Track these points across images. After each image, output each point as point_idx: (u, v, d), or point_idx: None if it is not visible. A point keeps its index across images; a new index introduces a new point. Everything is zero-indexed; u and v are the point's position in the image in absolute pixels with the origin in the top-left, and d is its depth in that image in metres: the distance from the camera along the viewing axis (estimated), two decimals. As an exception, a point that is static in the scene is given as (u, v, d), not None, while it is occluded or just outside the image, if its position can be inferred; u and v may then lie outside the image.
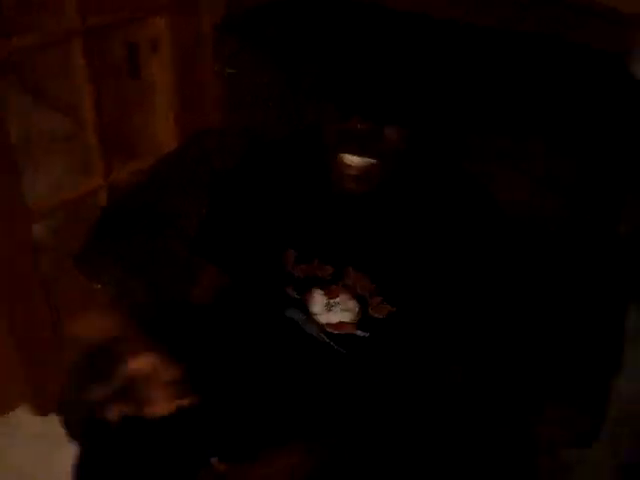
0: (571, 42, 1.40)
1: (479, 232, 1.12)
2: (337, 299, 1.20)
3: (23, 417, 1.85)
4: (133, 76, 1.84)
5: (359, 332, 1.21)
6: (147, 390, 0.98)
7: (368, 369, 1.21)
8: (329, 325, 1.22)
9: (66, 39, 1.54)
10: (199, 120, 1.81)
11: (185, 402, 1.00)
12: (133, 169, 1.77)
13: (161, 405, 0.99)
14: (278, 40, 1.58)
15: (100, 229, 1.55)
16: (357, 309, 1.19)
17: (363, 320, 1.20)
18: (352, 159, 1.05)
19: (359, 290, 1.19)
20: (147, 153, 1.89)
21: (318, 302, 1.22)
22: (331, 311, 1.21)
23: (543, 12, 1.44)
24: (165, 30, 1.68)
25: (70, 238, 1.61)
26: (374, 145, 1.04)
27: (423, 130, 1.10)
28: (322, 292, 1.21)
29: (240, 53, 1.59)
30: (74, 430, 1.32)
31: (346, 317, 1.21)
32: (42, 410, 1.82)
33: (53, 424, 1.47)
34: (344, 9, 1.51)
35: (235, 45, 1.58)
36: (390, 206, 1.16)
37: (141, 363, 0.97)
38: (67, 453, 1.20)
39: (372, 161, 1.05)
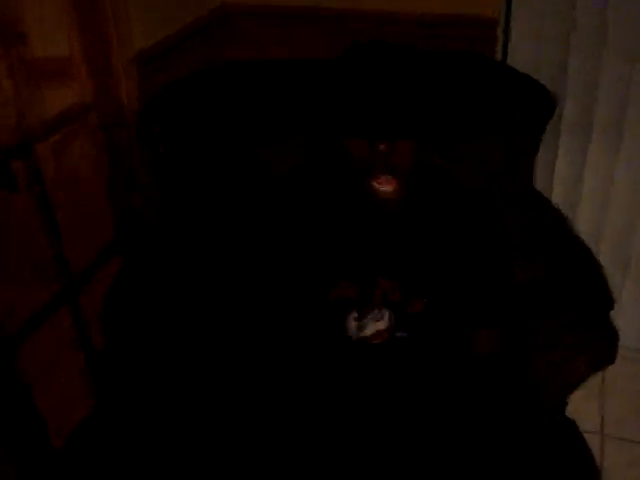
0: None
1: (472, 227, 1.25)
2: (369, 315, 1.27)
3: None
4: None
5: (398, 334, 1.27)
6: None
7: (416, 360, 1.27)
8: (366, 339, 1.27)
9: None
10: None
11: None
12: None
13: None
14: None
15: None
16: (389, 315, 1.26)
17: (400, 323, 1.26)
18: (386, 179, 1.13)
19: (390, 297, 1.26)
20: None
21: (350, 326, 1.27)
22: (365, 328, 1.27)
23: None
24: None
25: None
26: (396, 162, 1.13)
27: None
28: (354, 316, 1.27)
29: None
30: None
31: (380, 325, 1.27)
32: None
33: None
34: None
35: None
36: (408, 216, 1.24)
37: None
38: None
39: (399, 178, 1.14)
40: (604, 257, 1.92)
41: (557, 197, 1.93)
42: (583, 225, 1.94)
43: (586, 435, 1.35)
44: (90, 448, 1.37)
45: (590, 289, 1.35)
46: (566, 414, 1.36)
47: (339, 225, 1.27)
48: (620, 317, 1.87)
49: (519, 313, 1.30)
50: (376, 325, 1.26)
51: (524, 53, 1.78)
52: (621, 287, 1.99)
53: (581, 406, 1.74)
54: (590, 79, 1.78)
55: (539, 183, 1.77)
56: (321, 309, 1.27)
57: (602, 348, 1.29)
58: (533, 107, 1.58)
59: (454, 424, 1.19)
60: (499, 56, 1.80)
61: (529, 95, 1.58)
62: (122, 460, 1.28)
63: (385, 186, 1.14)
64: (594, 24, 1.71)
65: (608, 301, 1.32)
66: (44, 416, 1.49)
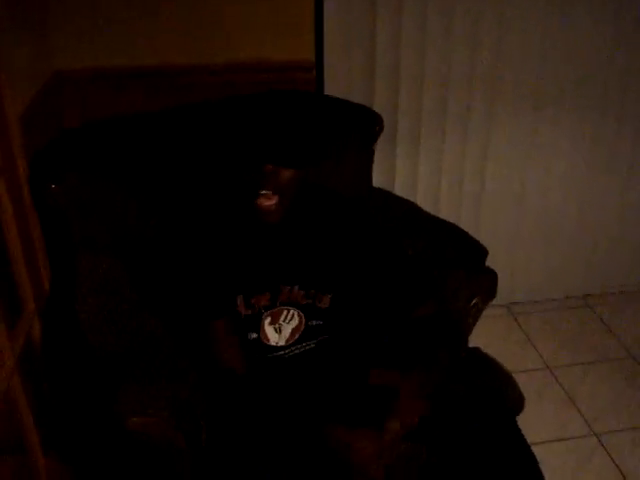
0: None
1: (353, 224, 1.56)
2: (280, 319, 1.49)
3: None
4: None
5: (313, 322, 1.52)
6: None
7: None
8: (287, 340, 1.50)
9: None
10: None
11: None
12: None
13: None
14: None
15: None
16: (298, 313, 1.50)
17: (312, 315, 1.51)
18: (268, 196, 1.36)
19: (294, 300, 1.50)
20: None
21: (270, 333, 1.49)
22: (281, 331, 1.50)
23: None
24: None
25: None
26: (280, 181, 1.36)
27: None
28: (269, 320, 1.49)
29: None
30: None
31: (294, 322, 1.51)
32: None
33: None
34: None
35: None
36: (295, 227, 1.48)
37: None
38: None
39: (280, 194, 1.37)
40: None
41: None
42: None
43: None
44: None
45: (466, 246, 1.77)
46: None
47: (236, 243, 1.48)
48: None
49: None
50: (289, 325, 1.51)
51: (337, 89, 2.18)
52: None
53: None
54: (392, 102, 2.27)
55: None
56: (245, 327, 1.48)
57: (485, 283, 1.72)
58: (368, 127, 2.00)
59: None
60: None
61: (365, 118, 1.98)
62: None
63: (266, 202, 1.38)
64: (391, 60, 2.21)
65: (483, 252, 1.75)
66: None
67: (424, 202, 2.29)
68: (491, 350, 1.71)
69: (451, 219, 1.91)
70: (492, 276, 1.70)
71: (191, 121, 1.86)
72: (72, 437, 1.68)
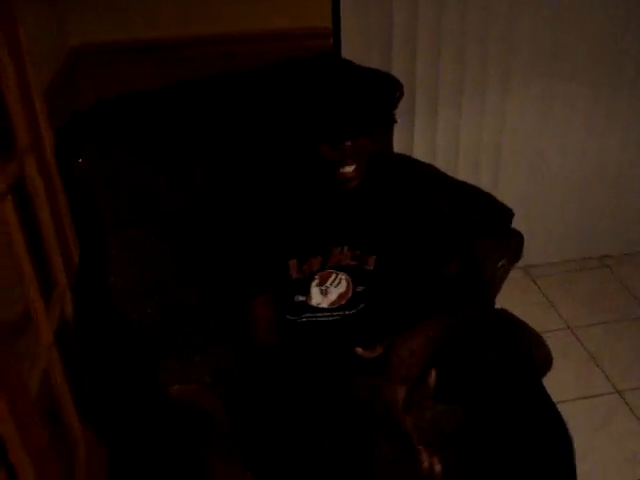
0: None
1: (415, 201, 1.57)
2: (328, 281, 1.51)
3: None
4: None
5: (358, 288, 1.53)
6: None
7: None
8: (332, 303, 1.51)
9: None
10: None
11: None
12: None
13: None
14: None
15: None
16: (346, 277, 1.52)
17: (359, 279, 1.52)
18: (350, 168, 1.37)
19: (343, 262, 1.50)
20: None
21: (315, 294, 1.50)
22: (327, 294, 1.51)
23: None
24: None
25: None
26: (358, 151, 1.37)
27: None
28: (316, 282, 1.49)
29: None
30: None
31: (342, 287, 1.52)
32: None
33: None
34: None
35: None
36: (365, 191, 1.47)
37: None
38: None
39: (358, 162, 1.38)
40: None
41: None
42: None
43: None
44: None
45: (492, 209, 1.78)
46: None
47: (305, 210, 1.49)
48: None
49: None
50: (337, 289, 1.52)
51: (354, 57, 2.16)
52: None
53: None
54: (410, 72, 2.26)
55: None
56: (294, 290, 1.49)
57: (512, 244, 1.73)
58: (389, 93, 1.99)
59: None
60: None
61: (389, 84, 1.98)
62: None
63: (349, 170, 1.38)
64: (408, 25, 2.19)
65: (509, 213, 1.76)
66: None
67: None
68: (514, 309, 1.72)
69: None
70: (519, 238, 1.71)
71: (220, 93, 1.86)
72: (107, 414, 1.71)
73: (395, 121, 1.95)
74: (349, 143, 1.35)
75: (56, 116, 1.65)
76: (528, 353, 1.60)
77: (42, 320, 1.48)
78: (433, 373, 1.33)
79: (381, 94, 1.96)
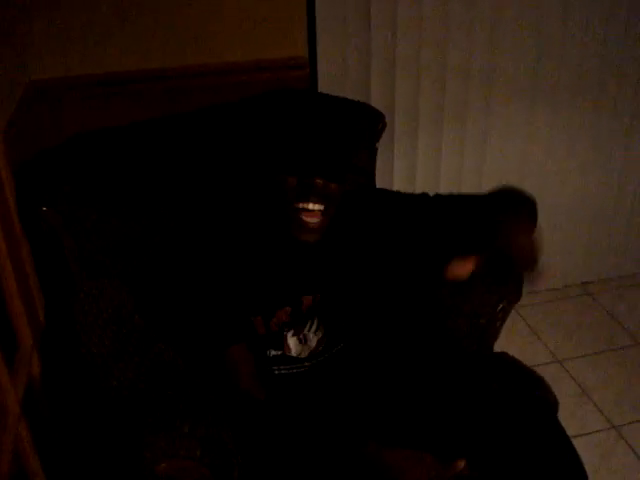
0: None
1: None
2: (305, 329, 1.40)
3: None
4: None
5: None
6: None
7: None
8: (314, 351, 1.41)
9: None
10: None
11: None
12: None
13: None
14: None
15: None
16: (321, 323, 1.42)
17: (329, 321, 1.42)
18: (314, 206, 1.27)
19: (317, 308, 1.41)
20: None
21: (292, 345, 1.39)
22: (307, 341, 1.40)
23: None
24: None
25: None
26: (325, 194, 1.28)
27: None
28: (292, 333, 1.38)
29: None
30: None
31: (320, 334, 1.42)
32: None
33: None
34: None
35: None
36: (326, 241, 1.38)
37: None
38: None
39: (324, 212, 1.29)
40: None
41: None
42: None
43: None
44: None
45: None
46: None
47: (255, 259, 1.39)
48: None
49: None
50: (316, 335, 1.42)
51: (331, 86, 2.07)
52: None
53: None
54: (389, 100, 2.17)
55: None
56: (265, 345, 1.39)
57: (512, 286, 1.64)
58: (371, 126, 1.90)
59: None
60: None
61: (370, 117, 1.89)
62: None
63: (311, 218, 1.29)
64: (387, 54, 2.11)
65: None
66: None
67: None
68: (499, 344, 1.65)
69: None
70: (518, 278, 1.62)
71: (190, 128, 1.75)
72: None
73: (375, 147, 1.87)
74: (319, 181, 1.26)
75: (19, 155, 1.51)
76: (538, 394, 1.52)
77: (6, 387, 1.32)
78: (462, 463, 1.21)
79: (362, 128, 1.87)
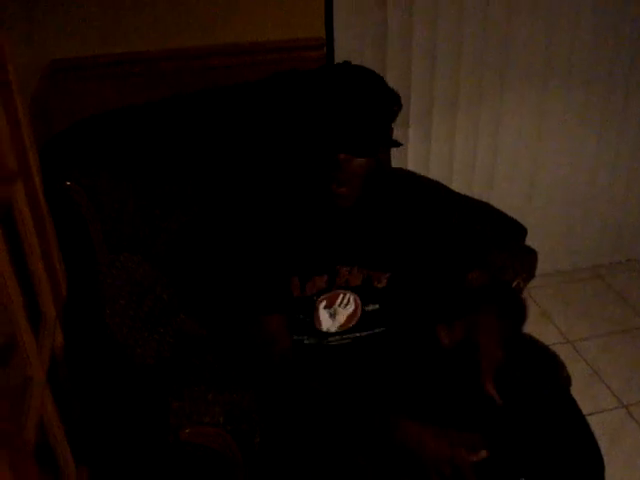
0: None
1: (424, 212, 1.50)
2: (336, 303, 1.41)
3: None
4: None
5: (368, 307, 1.44)
6: None
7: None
8: (342, 326, 1.42)
9: None
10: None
11: None
12: None
13: None
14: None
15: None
16: (354, 297, 1.43)
17: (369, 298, 1.42)
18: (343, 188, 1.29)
19: (352, 282, 1.41)
20: None
21: (323, 318, 1.40)
22: (336, 316, 1.41)
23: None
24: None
25: None
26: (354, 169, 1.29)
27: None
28: (324, 304, 1.40)
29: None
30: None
31: (350, 308, 1.43)
32: None
33: None
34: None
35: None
36: (362, 209, 1.40)
37: None
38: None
39: (354, 181, 1.30)
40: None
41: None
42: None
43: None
44: None
45: (504, 225, 1.70)
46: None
47: (305, 226, 1.42)
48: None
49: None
50: (346, 310, 1.43)
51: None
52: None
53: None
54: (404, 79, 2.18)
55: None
56: (297, 308, 1.40)
57: (527, 263, 1.66)
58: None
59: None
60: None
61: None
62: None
63: (341, 188, 1.31)
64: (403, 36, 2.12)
65: (522, 231, 1.69)
66: None
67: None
68: None
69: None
70: (534, 256, 1.64)
71: (212, 107, 1.76)
72: (103, 454, 1.59)
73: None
74: (343, 156, 1.28)
75: (42, 133, 1.54)
76: (552, 370, 1.55)
77: (33, 356, 1.36)
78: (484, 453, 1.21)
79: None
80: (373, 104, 1.33)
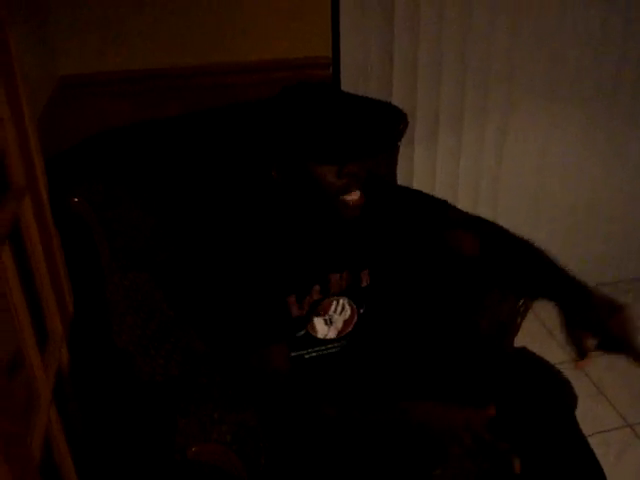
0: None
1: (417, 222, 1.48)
2: (330, 310, 1.42)
3: None
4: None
5: (361, 310, 1.47)
6: None
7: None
8: (340, 332, 1.44)
9: None
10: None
11: None
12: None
13: None
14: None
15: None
16: (348, 302, 1.45)
17: (359, 299, 1.45)
18: (356, 195, 1.29)
19: (343, 287, 1.43)
20: None
21: (319, 327, 1.42)
22: (332, 323, 1.42)
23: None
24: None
25: None
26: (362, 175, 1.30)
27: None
28: (318, 315, 1.40)
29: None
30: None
31: (347, 313, 1.45)
32: None
33: None
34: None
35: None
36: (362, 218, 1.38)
37: None
38: None
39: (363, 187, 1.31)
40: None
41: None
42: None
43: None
44: None
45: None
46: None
47: (297, 243, 1.41)
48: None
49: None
50: (342, 316, 1.45)
51: (354, 86, 2.10)
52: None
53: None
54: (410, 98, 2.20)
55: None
56: (296, 327, 1.41)
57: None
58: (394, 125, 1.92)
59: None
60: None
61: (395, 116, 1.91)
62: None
63: (354, 197, 1.31)
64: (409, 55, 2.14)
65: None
66: None
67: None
68: (516, 343, 1.70)
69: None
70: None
71: (221, 125, 1.77)
72: (108, 472, 1.58)
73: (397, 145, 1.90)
74: (355, 168, 1.28)
75: (51, 148, 1.55)
76: (557, 390, 1.54)
77: (39, 373, 1.36)
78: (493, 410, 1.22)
79: (386, 124, 1.89)
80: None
